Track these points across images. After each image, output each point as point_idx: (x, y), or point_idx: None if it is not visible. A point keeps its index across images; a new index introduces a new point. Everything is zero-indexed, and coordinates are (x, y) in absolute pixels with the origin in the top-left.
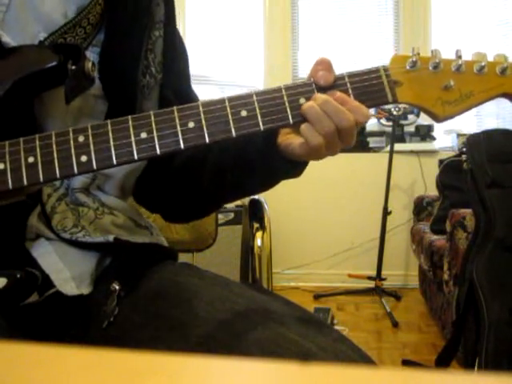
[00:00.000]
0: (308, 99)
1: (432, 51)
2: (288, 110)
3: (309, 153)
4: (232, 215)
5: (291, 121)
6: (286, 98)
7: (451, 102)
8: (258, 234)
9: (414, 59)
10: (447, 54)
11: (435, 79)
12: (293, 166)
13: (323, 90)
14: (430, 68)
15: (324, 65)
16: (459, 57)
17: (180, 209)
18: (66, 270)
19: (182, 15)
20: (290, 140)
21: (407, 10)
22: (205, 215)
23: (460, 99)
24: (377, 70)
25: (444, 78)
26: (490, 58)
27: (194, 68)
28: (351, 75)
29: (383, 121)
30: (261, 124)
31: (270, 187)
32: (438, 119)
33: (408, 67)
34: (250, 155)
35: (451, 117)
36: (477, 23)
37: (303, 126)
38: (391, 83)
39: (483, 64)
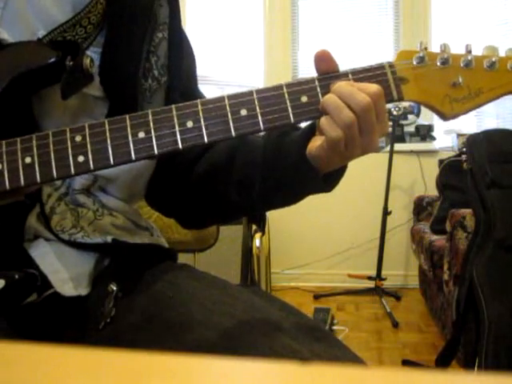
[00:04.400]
0: (310, 97)
1: (441, 45)
2: (289, 108)
3: (326, 152)
4: None
5: (292, 120)
6: (287, 97)
7: (459, 100)
8: (257, 235)
9: (422, 54)
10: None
11: (443, 75)
12: (324, 180)
13: (326, 87)
14: (438, 64)
15: (324, 56)
16: (469, 52)
17: (200, 216)
18: (64, 271)
19: (183, 15)
20: (309, 145)
21: (407, 10)
22: (226, 223)
23: (469, 96)
24: (382, 67)
25: (452, 75)
26: (502, 53)
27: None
28: (355, 72)
29: None
30: (261, 124)
31: (297, 201)
32: (446, 118)
33: (415, 63)
34: (279, 168)
35: (459, 115)
36: (477, 23)
37: (322, 119)
38: (397, 80)
39: (494, 60)
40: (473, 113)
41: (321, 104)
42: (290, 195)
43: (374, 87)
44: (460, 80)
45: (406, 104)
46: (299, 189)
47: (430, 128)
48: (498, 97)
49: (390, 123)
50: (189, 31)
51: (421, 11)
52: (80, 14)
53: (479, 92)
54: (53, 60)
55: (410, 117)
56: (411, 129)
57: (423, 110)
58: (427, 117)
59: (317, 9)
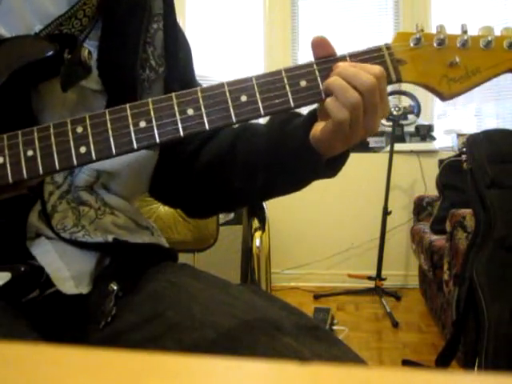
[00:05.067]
0: (309, 81)
1: (437, 27)
2: (289, 93)
3: (331, 134)
4: (232, 215)
5: (292, 104)
6: (286, 81)
7: (457, 80)
8: (257, 234)
9: (418, 36)
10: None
11: (440, 56)
12: (328, 165)
13: (325, 71)
14: (435, 45)
15: (323, 42)
16: (465, 32)
17: (206, 205)
18: (65, 269)
19: (183, 15)
20: (313, 130)
21: (407, 10)
22: (231, 211)
23: (466, 76)
24: (379, 49)
25: (449, 55)
26: (497, 33)
27: (194, 67)
28: (353, 55)
29: (383, 121)
30: (261, 109)
31: (302, 187)
32: (444, 97)
33: (412, 44)
34: (282, 155)
35: (457, 95)
36: (477, 23)
37: (328, 100)
38: (394, 62)
39: (490, 39)
40: (473, 113)
41: (325, 86)
42: (294, 181)
43: (376, 68)
44: (457, 60)
45: (405, 104)
46: (303, 174)
47: (429, 128)
48: (495, 75)
49: (390, 123)
50: (189, 31)
51: (421, 11)
52: (75, 6)
53: (476, 71)
54: (51, 53)
55: (410, 117)
56: (411, 129)
57: (423, 109)
58: (427, 117)
59: (317, 9)
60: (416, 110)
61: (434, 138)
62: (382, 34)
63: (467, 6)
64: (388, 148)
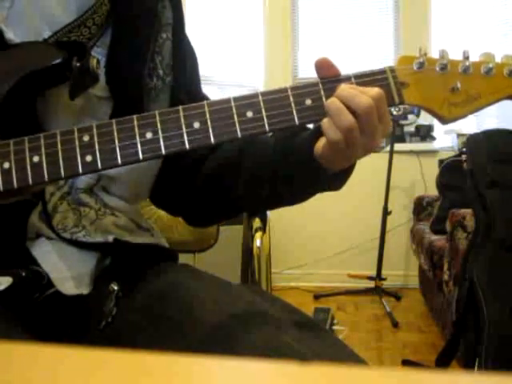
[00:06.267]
0: (314, 100)
1: (440, 52)
2: (294, 111)
3: (329, 152)
4: None
5: (297, 122)
6: (292, 99)
7: (458, 104)
8: (258, 235)
9: (422, 60)
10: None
11: (442, 81)
12: (333, 178)
13: (330, 90)
14: (437, 69)
15: (325, 64)
16: (467, 58)
17: (207, 213)
18: (65, 270)
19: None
20: (316, 144)
21: (407, 10)
22: (231, 218)
23: (467, 101)
24: (383, 71)
25: (451, 80)
26: (498, 59)
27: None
28: (357, 76)
29: None
30: (266, 125)
31: (307, 198)
32: (445, 121)
33: (415, 68)
34: (289, 167)
35: (458, 119)
36: (477, 23)
37: (324, 121)
38: (398, 84)
39: (491, 66)
40: None
41: (325, 107)
42: (300, 193)
43: (374, 90)
44: (458, 85)
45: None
46: (308, 187)
47: (430, 128)
48: (494, 102)
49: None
50: (189, 31)
51: (421, 11)
52: (85, 14)
53: (477, 97)
54: (59, 61)
55: (410, 117)
56: (411, 129)
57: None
58: (427, 117)
59: (317, 8)
60: (416, 109)
61: (434, 138)
62: (381, 34)
63: (467, 5)
64: (388, 148)
